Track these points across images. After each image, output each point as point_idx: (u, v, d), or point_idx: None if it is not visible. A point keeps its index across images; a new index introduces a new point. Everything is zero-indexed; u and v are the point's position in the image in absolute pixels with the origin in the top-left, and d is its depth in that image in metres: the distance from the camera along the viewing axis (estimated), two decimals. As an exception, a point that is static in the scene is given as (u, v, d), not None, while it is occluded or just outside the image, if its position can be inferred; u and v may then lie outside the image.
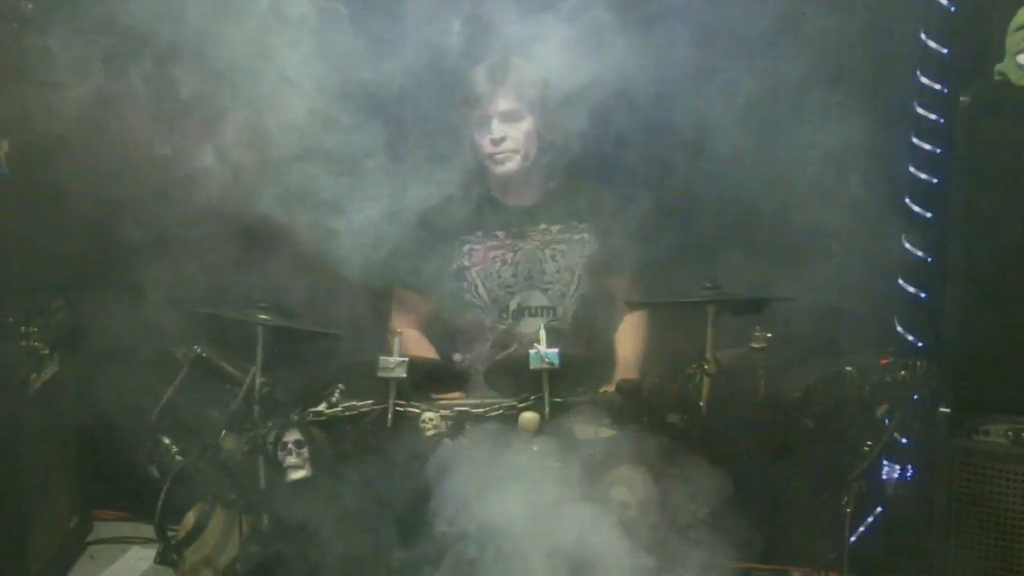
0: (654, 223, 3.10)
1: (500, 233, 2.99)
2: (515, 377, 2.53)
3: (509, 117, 2.88)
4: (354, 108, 2.76)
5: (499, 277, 2.98)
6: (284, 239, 2.94)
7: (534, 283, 3.00)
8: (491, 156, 2.90)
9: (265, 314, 2.62)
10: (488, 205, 2.99)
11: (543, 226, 3.01)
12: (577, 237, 3.02)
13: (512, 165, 2.91)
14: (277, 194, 2.80)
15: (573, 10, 2.77)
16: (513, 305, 2.99)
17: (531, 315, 2.99)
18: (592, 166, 3.11)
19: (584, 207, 3.01)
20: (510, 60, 2.88)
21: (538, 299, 3.00)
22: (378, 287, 3.07)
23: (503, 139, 2.88)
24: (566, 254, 3.01)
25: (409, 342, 2.88)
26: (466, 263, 2.98)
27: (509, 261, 2.99)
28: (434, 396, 2.62)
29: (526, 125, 2.89)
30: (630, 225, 3.03)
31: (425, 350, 2.98)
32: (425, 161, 3.00)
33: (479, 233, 2.99)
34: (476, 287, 2.98)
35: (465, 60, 2.90)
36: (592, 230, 3.02)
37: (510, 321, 2.99)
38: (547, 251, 3.01)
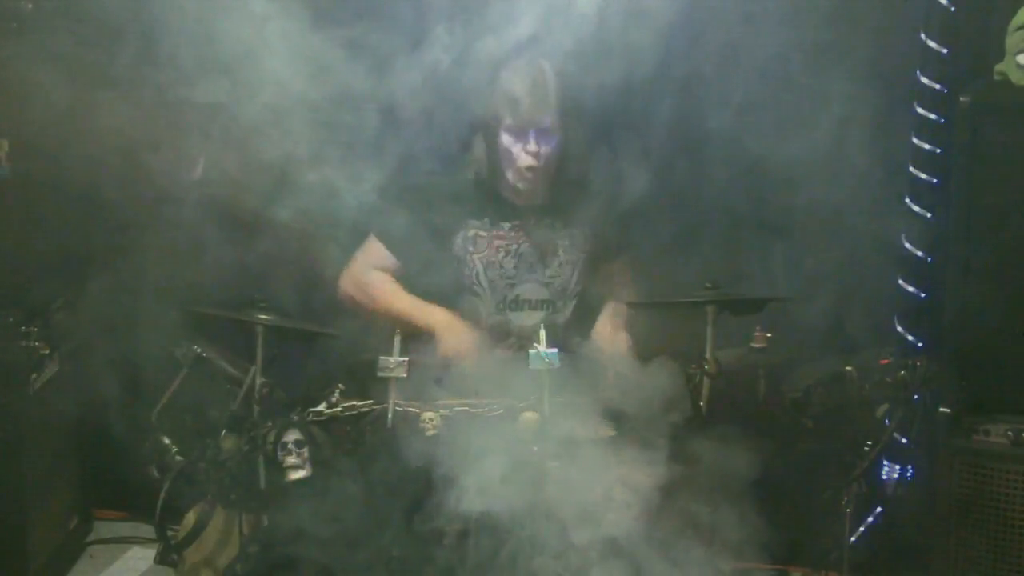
0: (655, 224, 3.11)
1: (506, 224, 3.00)
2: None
3: (546, 135, 2.88)
4: (367, 92, 2.77)
5: (501, 267, 2.99)
6: (288, 235, 2.95)
7: (536, 276, 3.00)
8: (519, 169, 2.90)
9: (265, 314, 2.62)
10: (497, 199, 3.00)
11: (548, 220, 3.01)
12: (579, 232, 3.03)
13: (537, 181, 2.92)
14: (283, 189, 2.81)
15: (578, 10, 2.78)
16: (512, 296, 3.00)
17: (531, 308, 3.00)
18: (597, 164, 3.12)
19: (588, 204, 3.01)
20: (550, 71, 2.86)
21: (539, 292, 3.00)
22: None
23: (534, 154, 2.88)
24: (568, 249, 3.02)
25: (377, 285, 2.95)
26: (470, 248, 2.98)
27: (512, 252, 2.99)
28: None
29: (557, 142, 2.90)
30: (631, 223, 3.04)
31: (397, 293, 2.98)
32: (438, 152, 3.02)
33: (485, 220, 2.99)
34: (478, 275, 2.98)
35: (487, 56, 2.90)
36: (595, 227, 3.02)
37: (508, 312, 2.99)
38: (550, 245, 3.01)
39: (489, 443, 2.44)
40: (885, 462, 3.11)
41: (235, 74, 2.67)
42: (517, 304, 3.00)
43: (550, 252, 3.01)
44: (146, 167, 3.11)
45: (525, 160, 2.88)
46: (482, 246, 2.98)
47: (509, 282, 2.99)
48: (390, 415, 2.51)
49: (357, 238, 2.99)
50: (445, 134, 2.99)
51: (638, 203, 3.00)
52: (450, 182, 3.00)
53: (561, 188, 3.00)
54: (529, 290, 3.00)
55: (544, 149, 2.88)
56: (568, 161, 2.96)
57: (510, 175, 2.92)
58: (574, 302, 3.04)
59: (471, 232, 2.98)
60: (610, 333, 3.01)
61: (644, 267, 3.11)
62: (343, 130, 2.78)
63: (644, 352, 2.90)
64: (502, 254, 2.98)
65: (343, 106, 2.76)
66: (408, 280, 2.99)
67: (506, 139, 2.89)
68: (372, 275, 2.97)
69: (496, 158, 2.93)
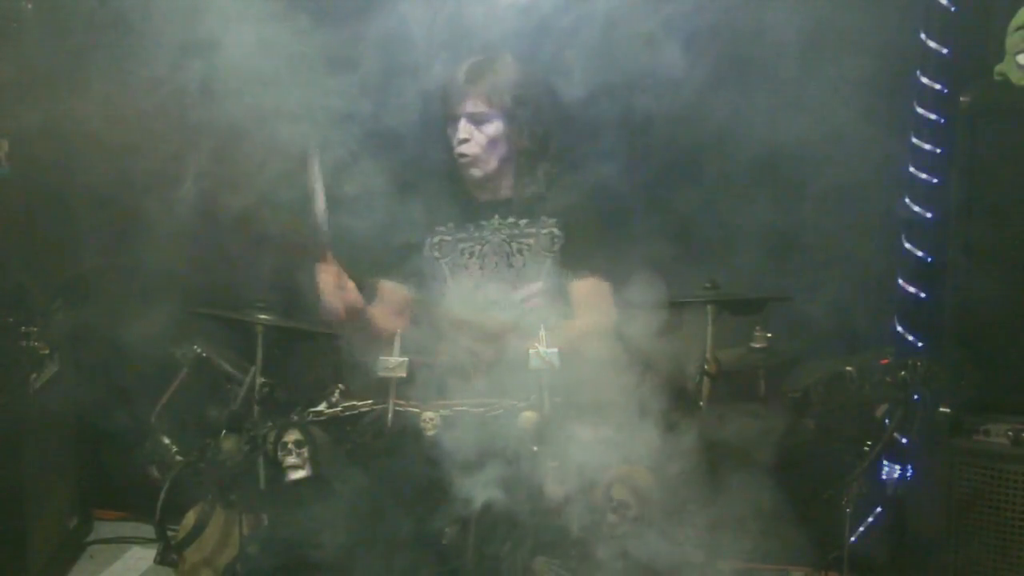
0: (633, 224, 3.10)
1: (470, 225, 3.00)
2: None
3: (475, 119, 2.90)
4: (331, 98, 2.78)
5: (466, 269, 2.98)
6: (266, 233, 2.95)
7: (502, 277, 2.99)
8: (458, 156, 2.93)
9: (265, 314, 2.62)
10: (460, 198, 3.00)
11: (511, 219, 3.00)
12: (545, 231, 3.01)
13: (474, 169, 2.93)
14: (257, 188, 2.81)
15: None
16: (480, 298, 2.99)
17: (500, 309, 2.98)
18: (566, 160, 3.11)
19: (555, 201, 3.00)
20: (492, 60, 2.90)
21: (506, 292, 2.99)
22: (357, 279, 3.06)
23: (466, 140, 2.90)
24: (532, 248, 3.00)
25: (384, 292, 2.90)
26: (436, 254, 2.99)
27: (477, 254, 2.99)
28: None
29: (492, 129, 2.90)
30: (602, 220, 3.02)
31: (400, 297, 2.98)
32: (400, 152, 3.01)
33: (450, 225, 2.99)
34: (445, 279, 2.98)
35: (445, 53, 2.92)
36: (561, 225, 3.00)
37: (477, 314, 2.97)
38: (514, 244, 3.00)
39: (488, 443, 2.43)
40: (885, 462, 3.11)
41: (231, 75, 2.68)
42: (486, 306, 2.98)
43: (514, 251, 3.00)
44: (146, 167, 3.12)
45: (457, 148, 2.90)
46: (448, 250, 2.98)
47: (476, 285, 2.99)
48: (390, 415, 2.50)
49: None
50: (411, 138, 3.01)
51: (620, 203, 3.00)
52: (418, 190, 3.01)
53: (524, 185, 3.00)
54: (496, 290, 2.99)
55: (478, 136, 2.89)
56: (528, 155, 2.96)
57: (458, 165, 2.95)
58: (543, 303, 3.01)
59: (436, 238, 2.99)
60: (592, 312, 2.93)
61: (626, 266, 3.08)
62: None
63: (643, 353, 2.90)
64: (467, 256, 2.98)
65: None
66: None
67: (448, 130, 2.93)
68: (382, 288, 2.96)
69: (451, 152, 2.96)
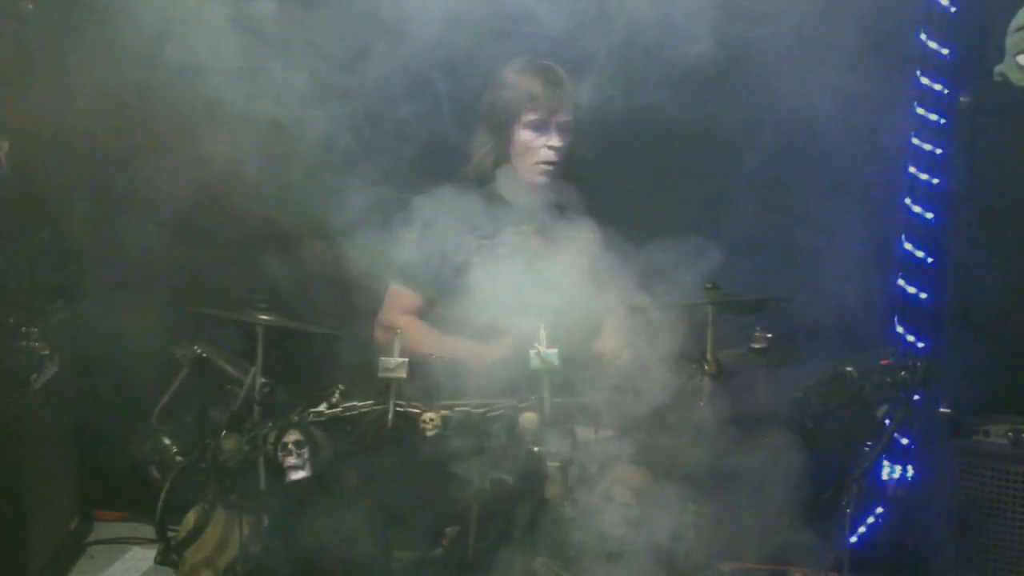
0: (657, 224, 3.09)
1: (509, 230, 2.99)
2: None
3: (564, 128, 2.89)
4: (359, 102, 2.78)
5: (506, 275, 2.97)
6: (285, 240, 2.95)
7: (540, 280, 2.98)
8: (537, 164, 2.90)
9: (265, 314, 2.62)
10: (497, 203, 2.99)
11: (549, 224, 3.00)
12: (582, 235, 3.01)
13: (550, 178, 2.92)
14: (282, 194, 2.81)
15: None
16: (519, 302, 2.98)
17: (537, 312, 2.97)
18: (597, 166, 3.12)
19: (589, 206, 3.00)
20: (558, 66, 2.90)
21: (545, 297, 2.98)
22: (374, 285, 3.05)
23: (559, 148, 2.88)
24: (571, 251, 3.00)
25: (408, 330, 2.87)
26: (475, 259, 2.97)
27: (517, 259, 2.98)
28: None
29: (570, 137, 2.91)
30: (633, 223, 3.03)
31: (426, 333, 2.96)
32: (436, 159, 3.01)
33: (489, 229, 2.98)
34: (485, 286, 2.96)
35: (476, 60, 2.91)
36: (597, 228, 3.01)
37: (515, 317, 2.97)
38: (552, 248, 3.00)
39: (489, 443, 2.43)
40: (885, 462, 3.11)
41: (230, 75, 2.68)
42: (523, 309, 2.97)
43: (553, 254, 2.99)
44: (146, 167, 3.12)
45: (546, 154, 2.89)
46: (487, 256, 2.97)
47: (514, 287, 2.97)
48: (390, 416, 2.50)
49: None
50: (448, 142, 3.00)
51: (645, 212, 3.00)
52: (453, 197, 2.99)
53: (560, 191, 3.00)
54: (534, 295, 2.98)
55: (564, 143, 2.89)
56: (571, 162, 2.96)
57: (526, 172, 2.92)
58: (581, 306, 3.01)
59: (475, 243, 2.98)
60: (613, 348, 2.99)
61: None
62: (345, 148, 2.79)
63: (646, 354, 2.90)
64: (507, 262, 2.97)
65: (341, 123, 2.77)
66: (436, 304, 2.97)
67: (526, 135, 2.90)
68: (399, 321, 2.93)
69: (505, 157, 2.93)
